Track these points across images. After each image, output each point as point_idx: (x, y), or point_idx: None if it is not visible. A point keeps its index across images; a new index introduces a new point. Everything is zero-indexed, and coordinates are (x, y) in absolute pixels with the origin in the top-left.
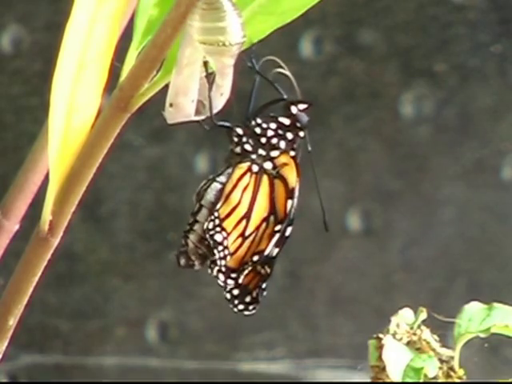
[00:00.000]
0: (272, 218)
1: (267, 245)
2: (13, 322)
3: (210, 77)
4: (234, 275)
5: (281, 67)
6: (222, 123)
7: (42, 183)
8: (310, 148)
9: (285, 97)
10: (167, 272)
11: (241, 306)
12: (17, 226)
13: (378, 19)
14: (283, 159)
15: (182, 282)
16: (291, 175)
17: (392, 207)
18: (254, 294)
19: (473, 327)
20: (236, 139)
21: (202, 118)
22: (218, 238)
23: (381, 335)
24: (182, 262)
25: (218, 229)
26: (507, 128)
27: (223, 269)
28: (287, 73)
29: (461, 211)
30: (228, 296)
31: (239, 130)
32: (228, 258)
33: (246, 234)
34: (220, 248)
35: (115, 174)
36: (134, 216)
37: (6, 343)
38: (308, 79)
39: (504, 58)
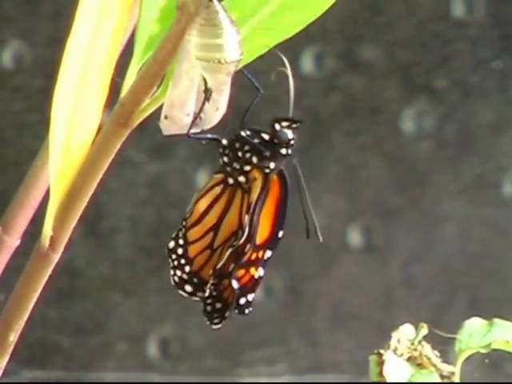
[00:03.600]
0: (240, 232)
1: (233, 259)
2: (13, 337)
3: (207, 91)
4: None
5: (286, 76)
6: (209, 136)
7: (43, 199)
8: (294, 161)
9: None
10: (168, 288)
11: (217, 320)
12: (17, 242)
13: (379, 35)
14: (254, 174)
15: (183, 297)
16: (254, 191)
17: (393, 223)
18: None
19: (473, 343)
20: (221, 150)
21: (198, 131)
22: (171, 244)
23: (382, 351)
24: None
25: (174, 235)
26: (508, 144)
27: (195, 280)
28: (290, 83)
29: (461, 227)
30: (209, 308)
31: (224, 142)
32: (186, 268)
33: (215, 246)
34: (173, 256)
35: (116, 190)
36: (135, 232)
37: (6, 359)
38: (309, 95)
39: (504, 74)
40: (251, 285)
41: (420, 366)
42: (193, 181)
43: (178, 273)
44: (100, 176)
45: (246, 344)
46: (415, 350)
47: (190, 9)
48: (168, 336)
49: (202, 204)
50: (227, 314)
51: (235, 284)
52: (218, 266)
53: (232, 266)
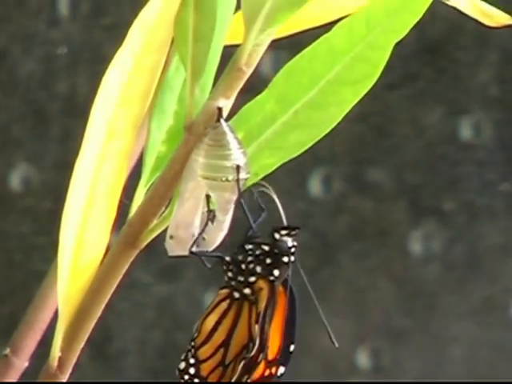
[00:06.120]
0: (251, 344)
1: (246, 373)
2: None
3: (211, 213)
4: None
5: (267, 188)
6: (213, 254)
7: (51, 321)
8: (302, 273)
9: (254, 228)
10: None
11: None
12: (26, 363)
13: (387, 158)
14: (260, 284)
15: None
16: (262, 300)
17: (401, 345)
18: None
19: None
20: (224, 267)
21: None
22: (181, 365)
23: None
24: None
25: (183, 357)
26: None
27: None
28: (273, 196)
29: (470, 349)
30: None
31: (227, 258)
32: None
33: (226, 362)
34: (186, 377)
35: (124, 312)
36: (143, 354)
37: None
38: (317, 217)
39: None
40: None
41: None
42: (201, 303)
43: None
44: (108, 297)
45: None
46: None
47: (198, 129)
48: None
49: (210, 321)
50: None
51: None
52: (233, 380)
53: (245, 379)
